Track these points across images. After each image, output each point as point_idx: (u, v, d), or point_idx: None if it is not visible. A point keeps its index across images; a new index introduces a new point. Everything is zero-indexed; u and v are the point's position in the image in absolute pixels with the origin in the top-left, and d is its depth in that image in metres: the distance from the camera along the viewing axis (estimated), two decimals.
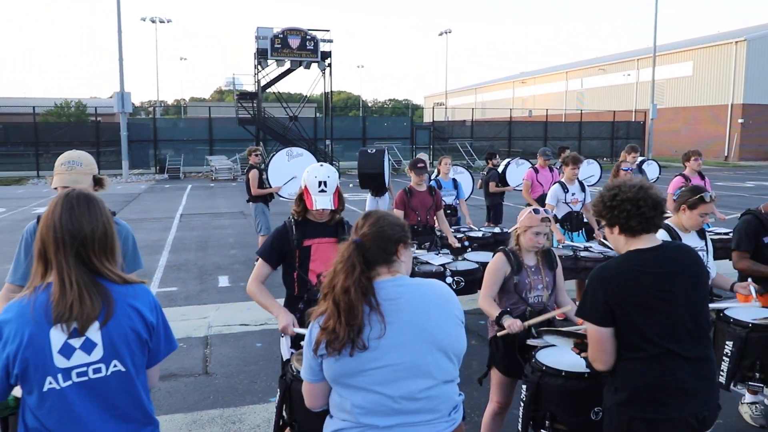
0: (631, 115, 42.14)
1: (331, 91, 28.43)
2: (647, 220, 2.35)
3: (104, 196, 2.25)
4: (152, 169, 29.31)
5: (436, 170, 8.23)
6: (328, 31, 27.36)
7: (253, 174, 9.20)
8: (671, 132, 41.48)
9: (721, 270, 4.05)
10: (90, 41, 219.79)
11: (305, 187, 3.26)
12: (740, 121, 37.85)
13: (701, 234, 3.92)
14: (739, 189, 20.86)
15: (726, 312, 3.58)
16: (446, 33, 54.07)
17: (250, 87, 30.04)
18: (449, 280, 5.46)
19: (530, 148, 31.02)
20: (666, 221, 3.94)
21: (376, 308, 1.90)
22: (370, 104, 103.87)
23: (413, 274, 2.24)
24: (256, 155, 9.53)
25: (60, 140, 28.99)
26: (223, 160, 28.37)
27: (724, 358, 3.42)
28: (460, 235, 6.89)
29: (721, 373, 3.38)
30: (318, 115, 31.87)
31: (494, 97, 65.13)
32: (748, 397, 4.18)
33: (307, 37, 26.58)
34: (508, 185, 9.88)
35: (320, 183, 3.21)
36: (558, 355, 3.01)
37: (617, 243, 2.44)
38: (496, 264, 3.56)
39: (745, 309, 3.56)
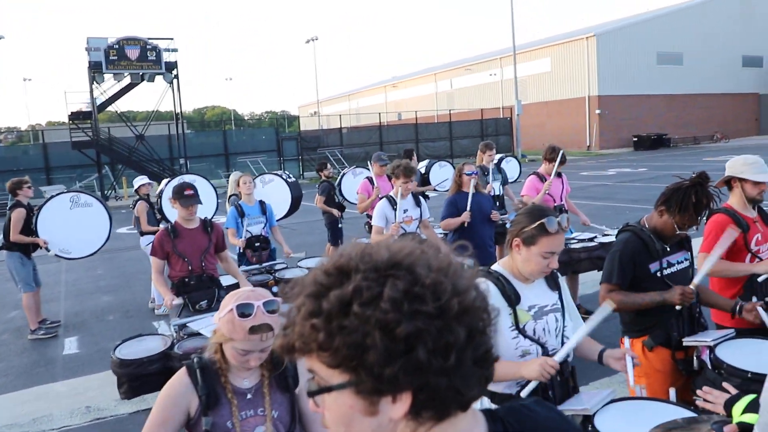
0: (499, 112, 42.80)
1: (181, 107, 25.87)
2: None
3: None
4: None
5: (237, 193, 6.52)
6: (171, 39, 24.86)
7: (18, 214, 7.11)
8: (537, 126, 42.61)
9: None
10: None
11: None
12: (597, 111, 39.50)
13: (552, 282, 2.38)
14: (601, 178, 20.99)
15: (717, 353, 2.25)
16: (313, 40, 52.63)
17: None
18: None
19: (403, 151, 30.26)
20: (495, 266, 2.38)
21: None
22: (246, 117, 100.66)
23: None
24: (28, 187, 7.49)
25: None
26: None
27: None
28: (270, 277, 5.33)
29: None
30: (173, 132, 29.07)
31: (368, 102, 64.52)
32: None
33: (148, 47, 23.93)
34: (345, 200, 8.44)
35: None
36: None
37: None
38: (170, 390, 1.96)
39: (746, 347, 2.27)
